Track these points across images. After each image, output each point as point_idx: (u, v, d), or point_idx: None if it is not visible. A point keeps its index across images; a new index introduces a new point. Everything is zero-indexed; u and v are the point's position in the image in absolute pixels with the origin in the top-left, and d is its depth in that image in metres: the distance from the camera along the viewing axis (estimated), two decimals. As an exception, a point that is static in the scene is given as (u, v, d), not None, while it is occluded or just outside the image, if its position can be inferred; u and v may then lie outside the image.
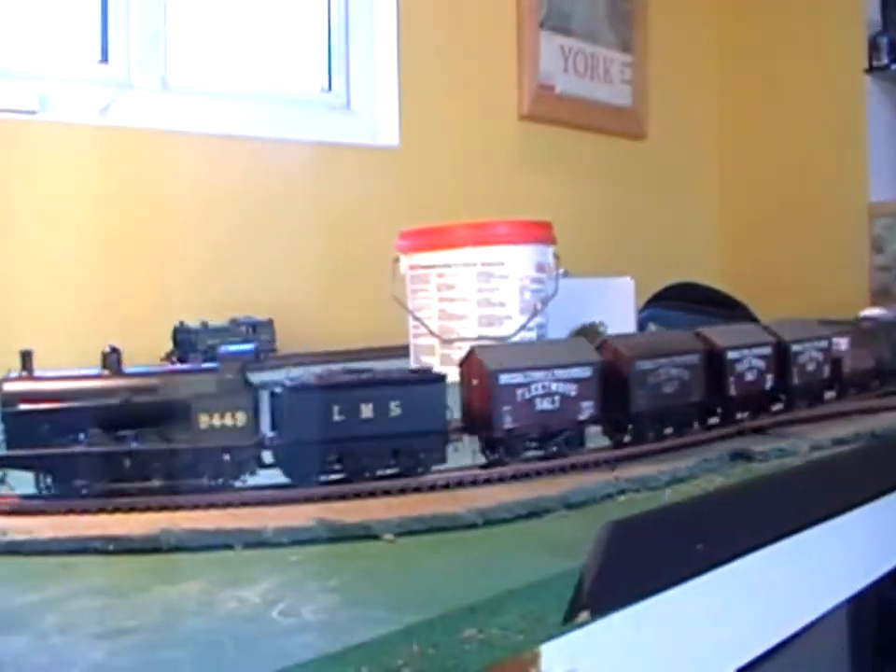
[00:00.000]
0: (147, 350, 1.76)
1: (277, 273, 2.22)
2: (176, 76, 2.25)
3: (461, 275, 1.44)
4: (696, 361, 0.94)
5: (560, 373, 0.84)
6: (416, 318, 1.48)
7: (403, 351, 1.57)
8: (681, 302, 2.21)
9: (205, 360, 1.77)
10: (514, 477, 0.81)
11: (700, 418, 0.98)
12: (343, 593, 0.56)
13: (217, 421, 0.73)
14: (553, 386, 0.83)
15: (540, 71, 2.98)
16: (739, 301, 2.32)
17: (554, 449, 0.85)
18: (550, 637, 0.60)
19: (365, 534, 0.67)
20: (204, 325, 1.86)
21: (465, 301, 1.44)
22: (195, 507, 0.72)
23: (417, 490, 0.77)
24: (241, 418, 0.74)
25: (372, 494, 0.75)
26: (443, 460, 0.80)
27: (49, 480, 0.73)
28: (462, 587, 0.58)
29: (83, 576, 0.62)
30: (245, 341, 1.89)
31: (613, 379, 0.88)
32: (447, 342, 1.42)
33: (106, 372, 0.75)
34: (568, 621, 0.60)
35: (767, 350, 1.03)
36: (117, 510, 0.72)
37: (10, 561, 0.65)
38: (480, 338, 1.42)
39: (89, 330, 1.86)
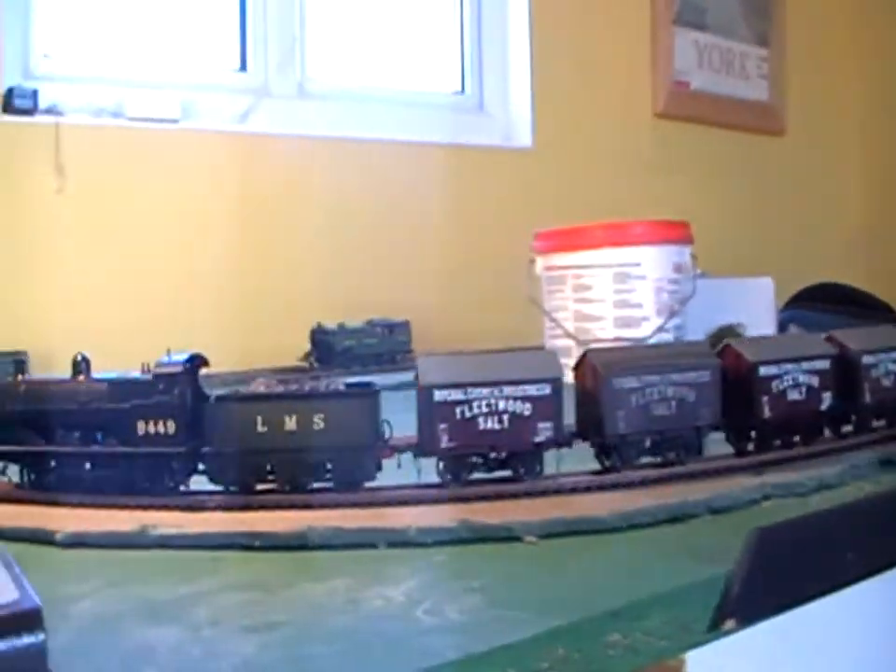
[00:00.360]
0: (286, 351, 1.81)
1: (413, 275, 2.23)
2: (312, 82, 2.30)
3: (597, 276, 1.43)
4: (707, 378, 0.82)
5: (509, 390, 0.76)
6: (552, 319, 1.47)
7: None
8: (823, 303, 2.15)
9: (341, 361, 1.81)
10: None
11: (736, 442, 0.88)
12: (487, 593, 0.56)
13: (151, 428, 0.76)
14: (502, 405, 0.76)
15: (675, 68, 2.93)
16: (884, 302, 2.24)
17: (510, 472, 0.78)
18: (695, 645, 0.59)
19: (507, 535, 0.67)
20: (341, 326, 1.89)
21: (601, 303, 1.43)
22: (337, 506, 0.73)
23: (557, 492, 0.77)
24: (171, 426, 0.76)
25: (514, 496, 0.75)
26: (373, 476, 0.76)
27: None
28: (606, 591, 0.57)
29: (231, 570, 0.63)
30: (381, 342, 1.91)
31: (589, 398, 0.81)
32: (583, 343, 1.41)
33: (81, 378, 0.80)
34: (714, 628, 0.59)
35: (824, 364, 0.89)
36: (262, 507, 0.74)
37: (161, 554, 0.68)
38: (616, 339, 1.40)
39: (229, 332, 1.91)
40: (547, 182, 2.52)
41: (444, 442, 0.75)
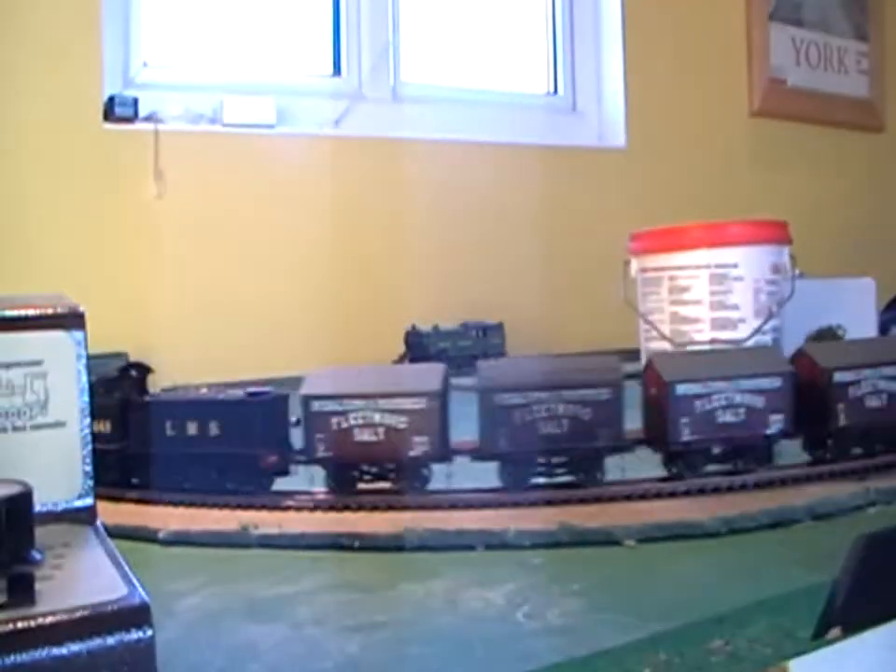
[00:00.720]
0: (381, 353, 1.82)
1: (507, 277, 2.23)
2: (406, 85, 2.31)
3: (694, 277, 1.40)
4: (607, 396, 0.77)
5: (384, 403, 0.75)
6: (648, 322, 1.45)
7: (633, 355, 1.55)
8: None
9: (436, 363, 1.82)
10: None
11: (663, 466, 0.81)
12: (587, 597, 0.56)
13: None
14: (377, 417, 0.75)
15: (771, 64, 2.88)
16: None
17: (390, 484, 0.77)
18: (799, 653, 0.58)
19: (606, 539, 0.67)
20: (436, 328, 1.90)
21: (698, 304, 1.40)
22: (436, 507, 0.73)
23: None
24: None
25: (613, 498, 0.75)
26: (263, 482, 0.78)
27: None
28: (708, 597, 0.57)
29: (330, 570, 0.64)
30: (475, 344, 1.92)
31: (481, 413, 0.78)
32: (679, 346, 1.39)
33: None
34: (819, 637, 0.58)
35: (773, 383, 0.80)
36: (360, 507, 0.75)
37: (261, 553, 0.69)
38: (712, 341, 1.38)
39: (325, 334, 1.93)
40: (641, 182, 2.50)
41: (320, 452, 0.76)
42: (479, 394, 0.77)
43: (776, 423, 0.80)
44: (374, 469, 0.77)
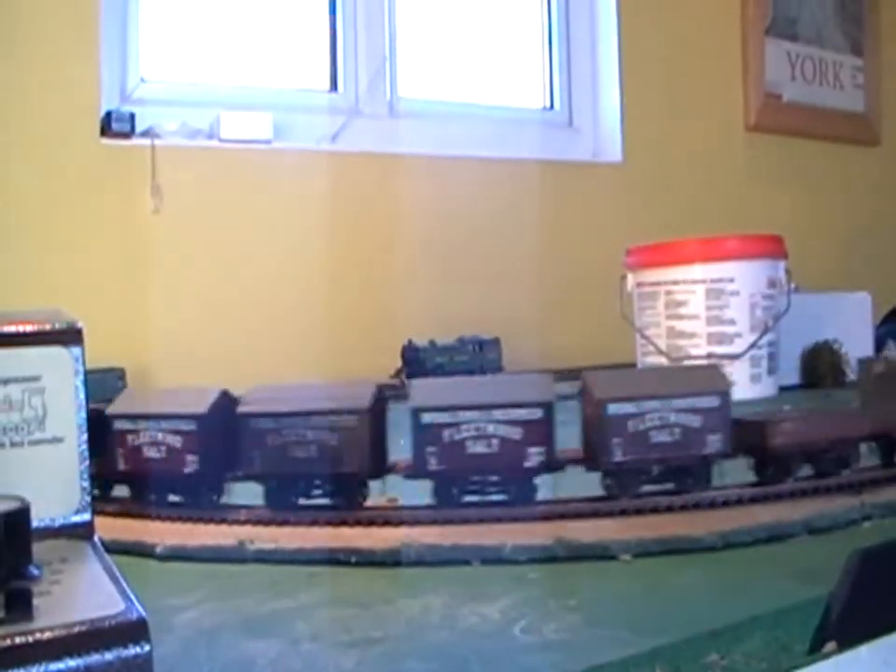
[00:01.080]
0: (378, 368, 1.82)
1: (503, 292, 2.24)
2: (403, 101, 2.32)
3: (690, 292, 1.41)
4: (354, 423, 0.76)
5: (165, 424, 0.79)
6: (644, 336, 1.46)
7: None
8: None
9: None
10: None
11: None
12: (584, 612, 0.56)
13: None
14: (160, 436, 0.79)
15: (767, 80, 2.89)
16: None
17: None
18: (794, 667, 0.58)
19: (602, 554, 0.67)
20: (432, 343, 1.90)
21: (694, 319, 1.41)
22: (433, 523, 0.73)
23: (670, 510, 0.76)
24: None
25: (609, 513, 0.75)
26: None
27: None
28: (704, 611, 0.57)
29: (327, 586, 0.64)
30: (472, 359, 1.92)
31: (239, 437, 0.79)
32: (676, 360, 1.40)
33: None
34: (814, 651, 0.58)
35: (532, 414, 0.76)
36: (358, 523, 0.75)
37: (258, 569, 0.69)
38: (709, 356, 1.39)
39: (322, 348, 1.93)
40: (637, 197, 2.50)
41: (121, 465, 0.81)
42: (238, 418, 0.80)
43: (535, 455, 0.76)
44: (162, 483, 0.81)
